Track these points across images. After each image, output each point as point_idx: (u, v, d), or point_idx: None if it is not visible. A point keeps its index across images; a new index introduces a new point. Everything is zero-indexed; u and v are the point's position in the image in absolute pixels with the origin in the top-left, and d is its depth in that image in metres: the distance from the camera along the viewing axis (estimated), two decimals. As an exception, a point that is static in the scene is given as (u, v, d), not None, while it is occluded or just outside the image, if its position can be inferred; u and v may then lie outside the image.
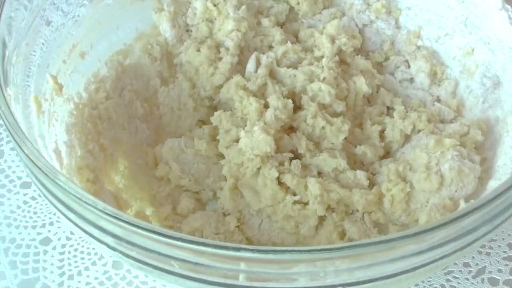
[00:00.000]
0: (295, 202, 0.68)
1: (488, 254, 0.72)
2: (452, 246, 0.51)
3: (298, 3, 0.88)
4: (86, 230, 0.54)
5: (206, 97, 0.82)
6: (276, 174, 0.69)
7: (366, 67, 0.82)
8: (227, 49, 0.81)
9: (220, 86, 0.80)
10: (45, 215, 0.76)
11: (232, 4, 0.82)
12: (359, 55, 0.83)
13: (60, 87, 0.72)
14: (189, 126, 0.81)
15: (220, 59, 0.81)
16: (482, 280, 0.70)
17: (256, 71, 0.79)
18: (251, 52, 0.83)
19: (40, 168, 0.54)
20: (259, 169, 0.70)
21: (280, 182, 0.69)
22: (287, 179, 0.68)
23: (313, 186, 0.68)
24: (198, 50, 0.81)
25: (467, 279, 0.70)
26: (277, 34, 0.83)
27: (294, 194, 0.69)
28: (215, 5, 0.83)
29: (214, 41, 0.82)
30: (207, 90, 0.81)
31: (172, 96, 0.82)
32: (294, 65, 0.80)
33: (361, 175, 0.71)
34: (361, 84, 0.78)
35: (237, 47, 0.81)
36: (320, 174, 0.72)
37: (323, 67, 0.78)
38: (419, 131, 0.75)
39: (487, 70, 0.78)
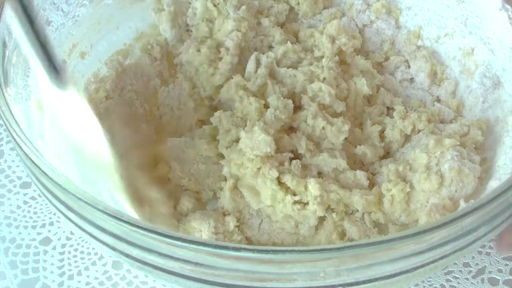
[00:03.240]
0: (295, 202, 0.68)
1: (488, 254, 0.72)
2: (452, 246, 0.51)
3: (298, 3, 0.88)
4: (86, 230, 0.54)
5: (206, 97, 0.82)
6: (276, 174, 0.69)
7: (366, 67, 0.82)
8: (227, 49, 0.81)
9: (220, 86, 0.80)
10: (45, 215, 0.76)
11: (232, 4, 0.82)
12: (359, 55, 0.83)
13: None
14: (189, 126, 0.81)
15: (220, 59, 0.81)
16: (482, 280, 0.70)
17: (256, 71, 0.79)
18: (251, 52, 0.83)
19: (40, 168, 0.54)
20: (259, 169, 0.69)
21: (280, 182, 0.69)
22: (287, 179, 0.68)
23: (313, 186, 0.67)
24: (198, 50, 0.81)
25: (467, 279, 0.70)
26: (277, 34, 0.83)
27: (294, 194, 0.69)
28: (215, 5, 0.83)
29: (214, 41, 0.82)
30: (207, 90, 0.81)
31: (172, 96, 0.82)
32: (294, 65, 0.80)
33: (361, 175, 0.71)
34: (362, 86, 0.78)
35: (237, 47, 0.81)
36: (320, 174, 0.72)
37: (323, 67, 0.78)
38: (419, 131, 0.75)
39: (487, 70, 0.78)
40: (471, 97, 0.79)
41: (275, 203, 0.69)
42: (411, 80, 0.85)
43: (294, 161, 0.71)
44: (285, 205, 0.68)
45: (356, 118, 0.79)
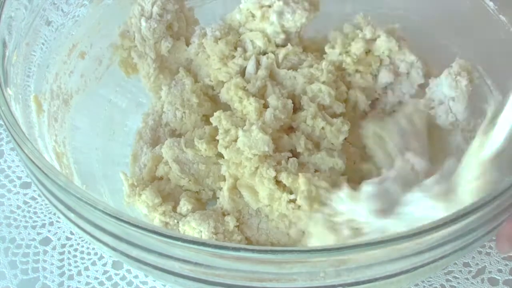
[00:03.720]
0: (290, 201, 0.68)
1: (488, 254, 0.72)
2: (452, 246, 0.51)
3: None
4: (86, 230, 0.54)
5: (210, 87, 0.80)
6: (274, 174, 0.68)
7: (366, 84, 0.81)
8: (245, 51, 0.79)
9: (222, 82, 0.79)
10: (45, 215, 0.76)
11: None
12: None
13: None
14: (195, 122, 0.79)
15: (233, 57, 0.79)
16: (482, 280, 0.70)
17: (256, 73, 0.78)
18: (251, 52, 0.82)
19: (40, 168, 0.54)
20: (257, 168, 0.69)
21: (277, 181, 0.69)
22: (283, 177, 0.68)
23: (301, 180, 0.67)
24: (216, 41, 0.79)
25: (467, 279, 0.70)
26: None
27: (291, 193, 0.69)
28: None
29: (234, 38, 0.80)
30: (211, 80, 0.79)
31: (175, 94, 0.80)
32: (295, 67, 0.80)
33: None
34: (362, 102, 0.77)
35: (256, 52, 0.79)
36: (317, 172, 0.72)
37: (322, 70, 0.77)
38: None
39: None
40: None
41: (273, 202, 0.69)
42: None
43: (291, 159, 0.71)
44: (281, 203, 0.68)
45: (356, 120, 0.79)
